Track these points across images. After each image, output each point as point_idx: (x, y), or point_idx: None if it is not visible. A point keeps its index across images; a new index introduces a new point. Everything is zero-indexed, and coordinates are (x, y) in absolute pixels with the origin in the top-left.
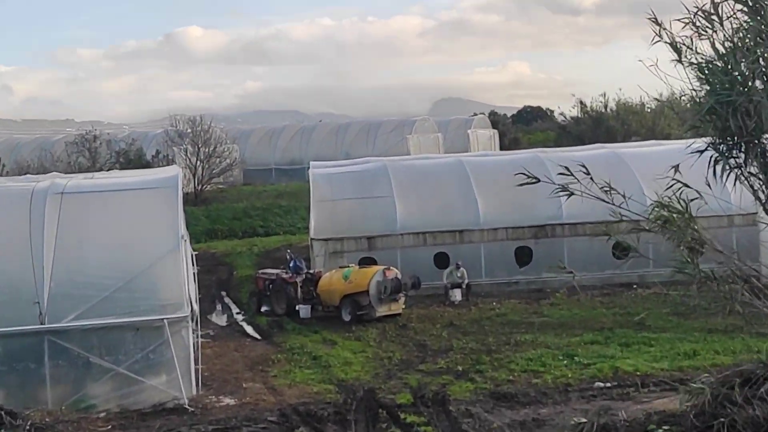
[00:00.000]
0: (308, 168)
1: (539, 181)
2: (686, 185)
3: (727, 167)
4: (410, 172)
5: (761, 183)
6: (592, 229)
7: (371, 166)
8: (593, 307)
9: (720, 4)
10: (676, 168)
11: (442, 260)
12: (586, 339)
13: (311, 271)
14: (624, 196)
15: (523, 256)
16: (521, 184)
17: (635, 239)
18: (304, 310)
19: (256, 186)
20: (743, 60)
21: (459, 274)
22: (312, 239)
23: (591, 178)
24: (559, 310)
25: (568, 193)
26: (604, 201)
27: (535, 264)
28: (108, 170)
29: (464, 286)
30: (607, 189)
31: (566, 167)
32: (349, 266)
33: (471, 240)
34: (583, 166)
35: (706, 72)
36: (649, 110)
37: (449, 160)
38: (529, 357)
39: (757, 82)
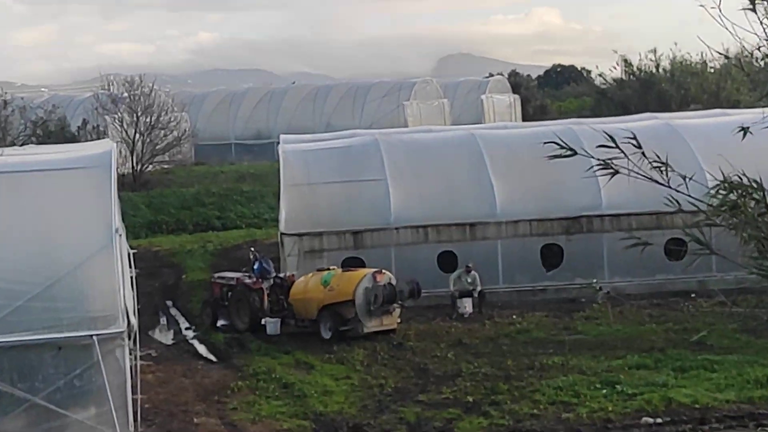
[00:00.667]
0: (278, 143)
1: (575, 153)
2: None
3: None
4: (408, 150)
5: None
6: (640, 222)
7: (358, 141)
8: (640, 322)
9: None
10: (745, 132)
11: (448, 262)
12: (631, 362)
13: (281, 275)
14: (684, 178)
15: (552, 257)
16: (552, 157)
17: (700, 234)
18: (272, 324)
19: (212, 166)
20: None
21: (469, 280)
22: (282, 234)
23: (643, 153)
24: (596, 326)
25: (611, 171)
26: (658, 183)
27: (566, 266)
28: (21, 145)
29: (476, 295)
30: (662, 166)
31: (610, 136)
32: (329, 269)
33: (485, 236)
34: (634, 138)
35: None
36: (712, 71)
37: (458, 134)
38: (558, 385)
39: None
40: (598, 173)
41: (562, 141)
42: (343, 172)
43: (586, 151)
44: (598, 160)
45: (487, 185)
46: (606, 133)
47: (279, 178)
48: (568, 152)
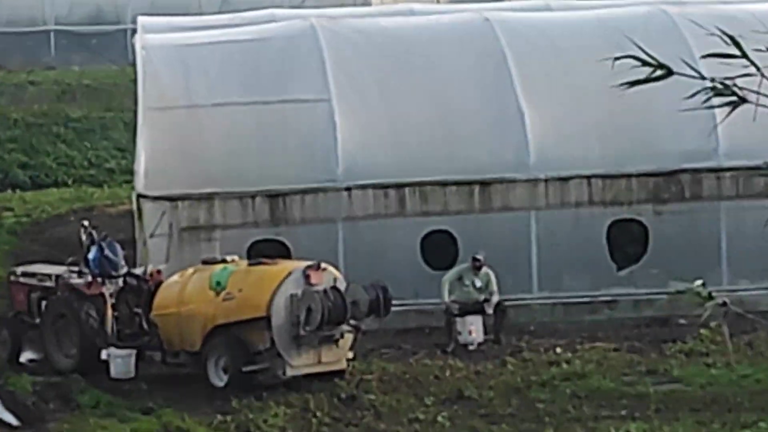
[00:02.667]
0: (133, 33)
1: (670, 73)
2: None
3: None
4: (371, 48)
5: None
6: None
7: (280, 30)
8: None
9: None
10: None
11: (440, 251)
12: None
13: (138, 272)
14: None
15: (628, 244)
16: (630, 84)
17: None
18: (120, 360)
19: (13, 71)
20: None
21: (478, 284)
22: (141, 197)
23: None
24: (706, 368)
25: (733, 99)
26: None
27: (653, 261)
28: None
29: (490, 311)
30: None
31: (729, 37)
32: (226, 261)
33: (508, 204)
34: None
35: None
36: None
37: (460, 19)
38: None
39: None
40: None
41: (636, 45)
42: (252, 86)
43: (692, 67)
44: (713, 83)
45: (513, 113)
46: (724, 34)
47: (135, 95)
48: (660, 70)
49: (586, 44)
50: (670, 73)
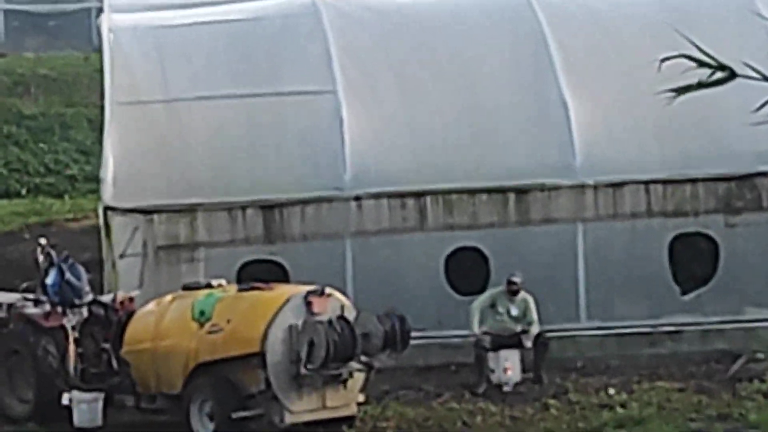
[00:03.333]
0: (98, 12)
1: (733, 76)
2: None
3: None
4: (385, 29)
5: None
6: None
7: (276, 7)
8: None
9: None
10: None
11: (468, 272)
12: None
13: (106, 299)
14: None
15: (693, 263)
16: (680, 90)
17: None
18: (85, 407)
19: None
20: None
21: (515, 311)
22: (108, 210)
23: None
24: None
25: None
26: None
27: (724, 283)
28: None
29: (529, 344)
30: None
31: None
32: (212, 285)
33: (550, 215)
34: None
35: None
36: None
37: None
38: None
39: None
40: None
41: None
42: (243, 75)
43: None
44: None
45: (555, 107)
46: None
47: (101, 87)
48: (720, 75)
49: (643, 25)
50: (733, 75)
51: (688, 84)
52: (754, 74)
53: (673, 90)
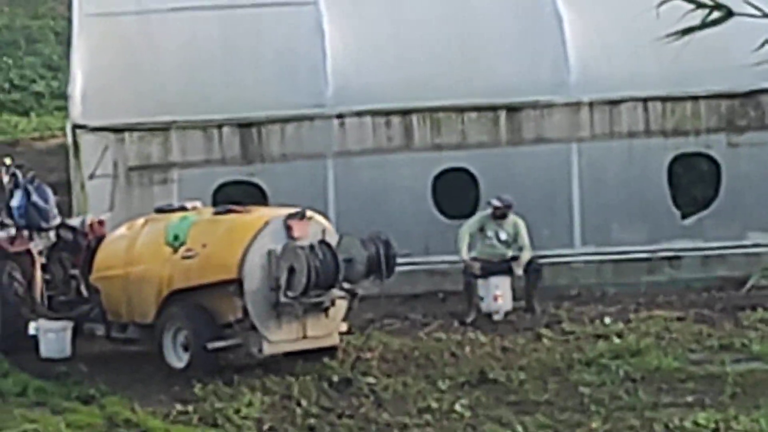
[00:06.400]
0: None
1: (730, 14)
2: None
3: None
4: None
5: None
6: None
7: None
8: None
9: None
10: None
11: (456, 194)
12: None
13: (74, 223)
14: None
15: (694, 185)
16: (682, 32)
17: None
18: (53, 336)
19: None
20: None
21: (503, 236)
22: (77, 128)
23: None
24: None
25: None
26: None
27: (726, 207)
28: None
29: (520, 271)
30: None
31: None
32: (186, 208)
33: (542, 134)
34: None
35: None
36: None
37: None
38: None
39: None
40: None
41: None
42: None
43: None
44: None
45: (548, 18)
46: None
47: None
48: (717, 15)
49: None
50: (730, 14)
51: (689, 26)
52: (753, 11)
53: (675, 33)
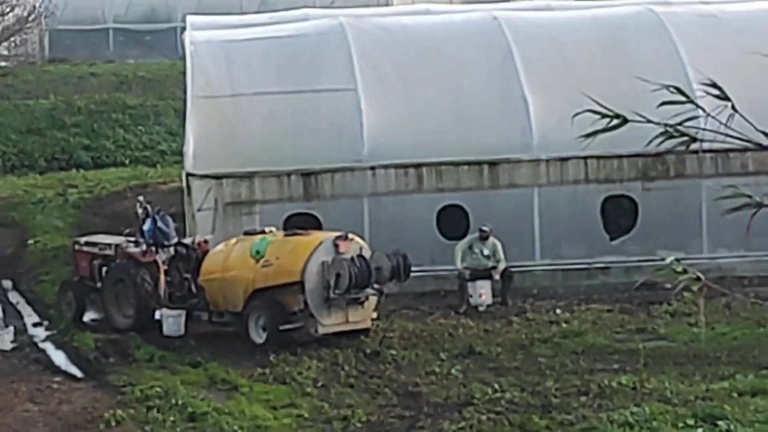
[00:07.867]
0: (183, 30)
1: (626, 122)
2: None
3: None
4: (393, 43)
5: None
6: (764, 163)
7: (312, 28)
8: (759, 322)
9: None
10: None
11: (453, 223)
12: (743, 386)
13: (187, 242)
14: None
15: (619, 217)
16: (589, 135)
17: None
18: (172, 320)
19: (77, 65)
20: None
21: (487, 252)
22: (189, 176)
23: None
24: (688, 327)
25: (685, 140)
26: None
27: (642, 232)
28: None
29: (497, 277)
30: None
31: (675, 88)
32: (264, 232)
33: (514, 181)
34: None
35: None
36: None
37: (472, 18)
38: (626, 420)
39: None
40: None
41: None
42: (287, 77)
43: (642, 116)
44: (666, 126)
45: (518, 100)
46: (673, 88)
47: (185, 85)
48: (616, 122)
49: (583, 40)
50: (625, 121)
51: (594, 130)
52: (641, 119)
53: (585, 135)
